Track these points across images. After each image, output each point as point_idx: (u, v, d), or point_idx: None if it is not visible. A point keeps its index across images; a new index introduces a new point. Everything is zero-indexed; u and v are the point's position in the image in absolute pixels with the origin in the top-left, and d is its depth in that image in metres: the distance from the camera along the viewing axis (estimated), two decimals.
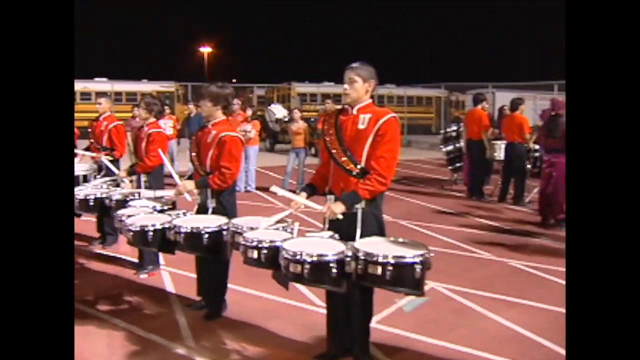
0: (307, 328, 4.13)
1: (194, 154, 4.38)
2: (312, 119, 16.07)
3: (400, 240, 3.04)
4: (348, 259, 2.84)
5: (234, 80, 40.76)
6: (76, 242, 6.72)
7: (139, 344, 3.88)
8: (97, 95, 6.98)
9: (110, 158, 6.22)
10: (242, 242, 3.19)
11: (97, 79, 26.34)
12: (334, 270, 2.79)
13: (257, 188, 11.01)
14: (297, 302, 4.60)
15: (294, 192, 3.89)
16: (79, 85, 24.85)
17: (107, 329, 4.12)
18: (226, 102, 4.32)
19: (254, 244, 3.10)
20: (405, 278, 2.70)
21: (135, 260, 5.72)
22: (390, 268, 2.68)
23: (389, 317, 4.31)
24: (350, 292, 3.06)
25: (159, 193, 4.68)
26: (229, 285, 4.55)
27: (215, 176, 4.11)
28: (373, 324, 3.94)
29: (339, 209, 3.18)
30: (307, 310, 4.50)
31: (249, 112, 11.57)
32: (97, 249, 6.45)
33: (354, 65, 3.35)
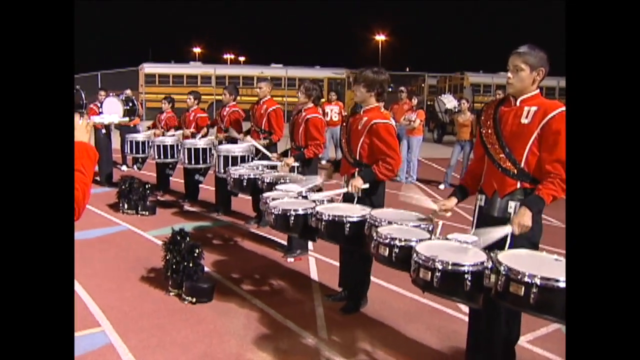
0: (446, 336, 3.84)
1: (343, 140, 4.30)
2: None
3: (556, 257, 2.56)
4: (488, 271, 2.47)
5: (407, 69, 40.67)
6: (233, 220, 7.14)
7: (273, 328, 3.92)
8: (258, 80, 7.28)
9: (267, 141, 6.43)
10: (375, 237, 2.99)
11: (273, 64, 27.97)
12: (469, 283, 2.45)
13: (419, 180, 10.73)
14: (441, 306, 4.31)
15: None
16: (256, 70, 26.60)
17: (246, 309, 4.23)
18: (381, 89, 4.12)
19: (387, 240, 2.88)
20: (554, 305, 2.22)
21: (285, 243, 5.85)
22: (534, 290, 2.24)
23: (545, 338, 3.82)
24: (493, 307, 2.71)
25: (309, 182, 4.61)
26: (373, 279, 4.42)
27: (382, 166, 3.93)
28: (522, 343, 3.54)
29: (529, 219, 2.75)
30: (451, 316, 4.19)
31: (415, 101, 11.27)
32: (252, 228, 6.74)
33: (521, 49, 2.87)
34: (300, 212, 3.77)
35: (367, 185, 3.96)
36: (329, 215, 3.54)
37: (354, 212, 3.60)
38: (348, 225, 3.46)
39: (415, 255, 2.64)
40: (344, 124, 4.41)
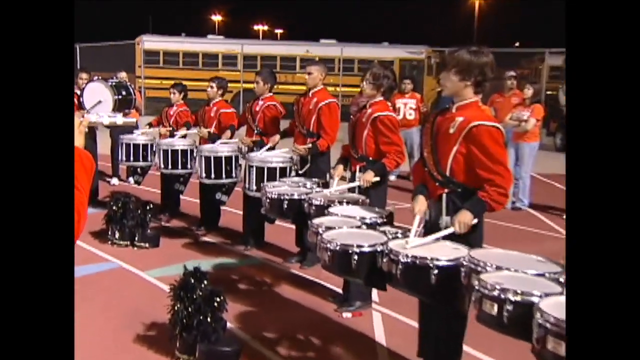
0: None
1: (426, 149, 4.23)
2: None
3: None
4: None
5: (517, 44, 40.27)
6: (267, 256, 7.23)
7: None
8: (302, 62, 7.40)
9: (309, 146, 6.51)
10: (477, 287, 2.99)
11: (323, 40, 28.03)
12: None
13: (533, 205, 10.50)
14: None
15: None
16: (300, 49, 26.74)
17: None
18: (481, 76, 4.07)
19: (495, 292, 2.87)
20: None
21: (340, 291, 5.88)
22: None
23: None
24: None
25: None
26: (466, 348, 4.39)
27: (492, 191, 3.81)
28: None
29: None
30: None
31: (529, 91, 10.98)
32: (294, 268, 6.82)
33: None
34: (367, 248, 3.78)
35: (476, 221, 3.90)
36: (408, 256, 3.53)
37: (444, 252, 3.58)
38: (436, 271, 3.44)
39: (539, 315, 2.61)
40: (426, 125, 4.37)
